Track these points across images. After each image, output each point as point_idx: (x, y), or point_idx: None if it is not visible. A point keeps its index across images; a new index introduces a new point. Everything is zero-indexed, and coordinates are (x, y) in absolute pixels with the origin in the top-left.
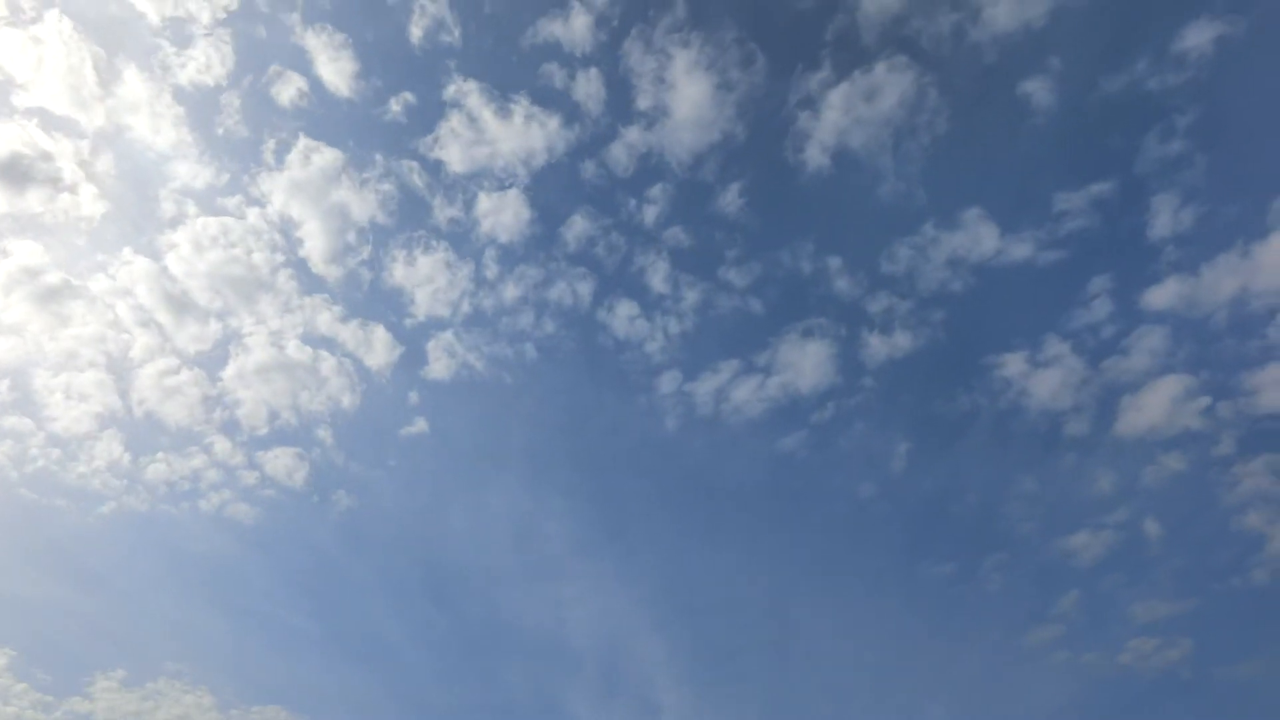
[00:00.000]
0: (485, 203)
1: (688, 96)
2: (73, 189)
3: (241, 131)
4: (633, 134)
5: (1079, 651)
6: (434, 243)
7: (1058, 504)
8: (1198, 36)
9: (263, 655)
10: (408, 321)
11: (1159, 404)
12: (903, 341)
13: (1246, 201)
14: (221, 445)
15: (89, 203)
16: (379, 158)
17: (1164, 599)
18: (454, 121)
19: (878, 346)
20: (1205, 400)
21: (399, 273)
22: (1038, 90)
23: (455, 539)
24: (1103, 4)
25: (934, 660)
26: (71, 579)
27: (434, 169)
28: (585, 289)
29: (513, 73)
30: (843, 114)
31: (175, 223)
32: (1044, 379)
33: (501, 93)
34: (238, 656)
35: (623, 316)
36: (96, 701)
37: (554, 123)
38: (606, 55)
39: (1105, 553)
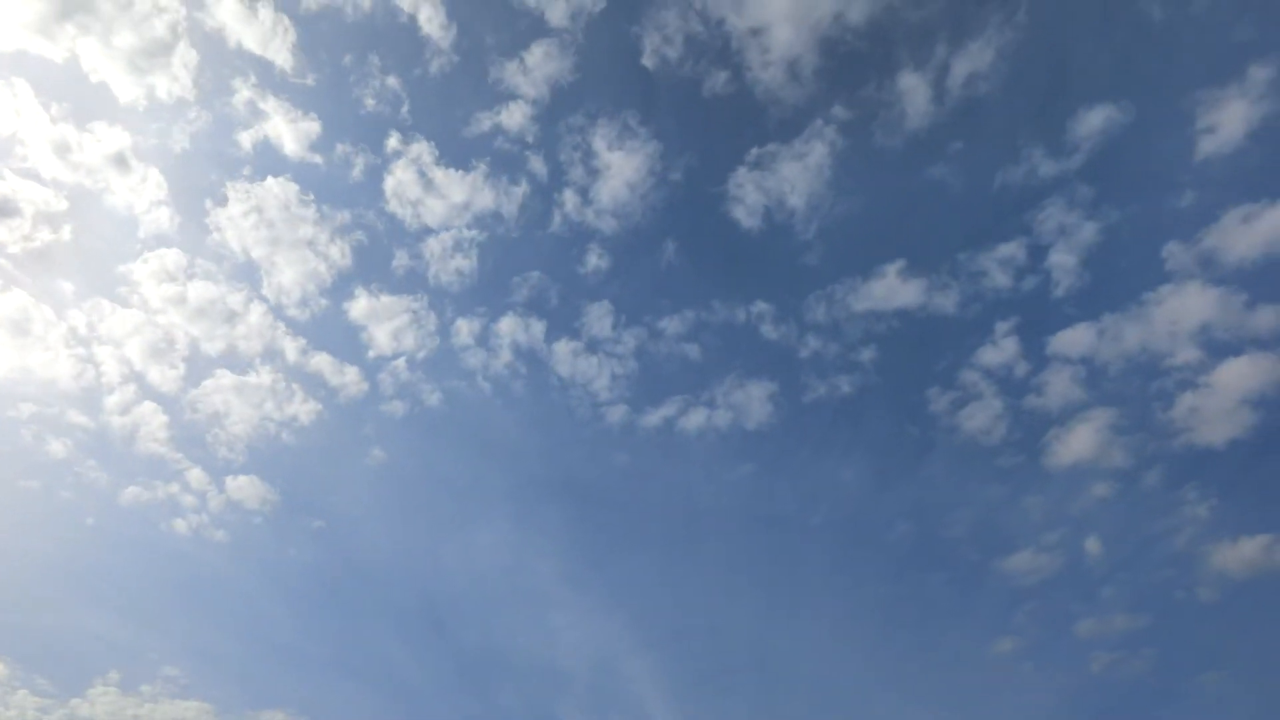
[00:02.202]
0: (439, 253)
1: (624, 165)
2: (53, 231)
3: (208, 182)
4: (573, 197)
5: (1042, 663)
6: (393, 286)
7: (998, 526)
8: (1090, 123)
9: (253, 663)
10: (370, 354)
11: (1085, 436)
12: (837, 381)
13: (1140, 257)
14: (195, 473)
15: (67, 244)
16: (343, 210)
17: (1121, 613)
18: (407, 179)
19: (815, 385)
20: (1126, 432)
21: (362, 312)
22: (946, 173)
23: (419, 560)
24: (1006, 95)
25: (903, 671)
26: (62, 593)
27: (391, 221)
28: (537, 330)
29: (463, 141)
30: (769, 178)
31: (148, 265)
32: (971, 413)
33: (452, 157)
34: (229, 664)
35: (573, 356)
36: (96, 705)
37: (501, 186)
38: (547, 128)
39: (1051, 571)
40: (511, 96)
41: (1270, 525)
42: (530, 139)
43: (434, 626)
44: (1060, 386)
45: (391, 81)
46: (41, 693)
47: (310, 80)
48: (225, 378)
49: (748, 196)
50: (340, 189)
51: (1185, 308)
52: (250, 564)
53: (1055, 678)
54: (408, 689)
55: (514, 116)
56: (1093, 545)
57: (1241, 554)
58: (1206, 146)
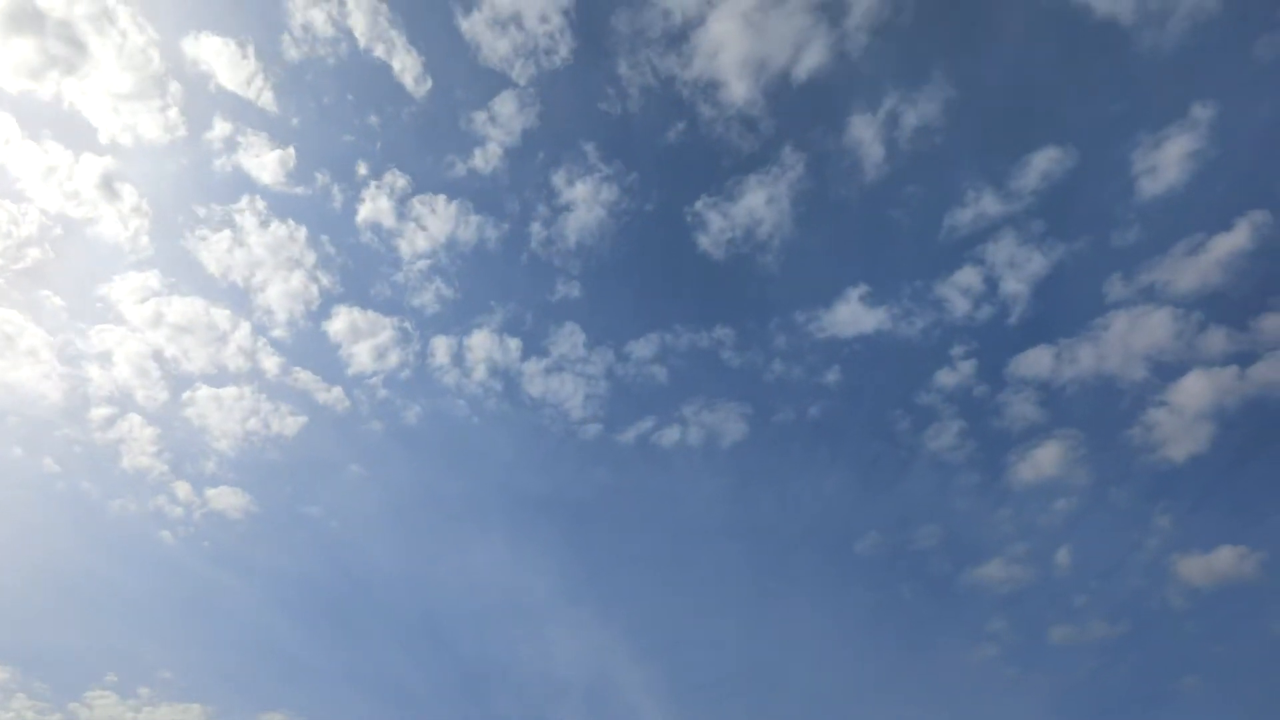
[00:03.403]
0: (416, 279)
1: (590, 201)
2: (41, 252)
3: (193, 208)
4: (541, 231)
5: (1026, 668)
6: (372, 310)
7: (972, 540)
8: (1039, 164)
9: (247, 666)
10: (349, 372)
11: (1051, 454)
12: (803, 402)
13: (1088, 285)
14: (181, 485)
15: (56, 264)
16: (322, 236)
17: (1100, 621)
18: (383, 209)
19: (781, 407)
20: (1088, 449)
21: (343, 333)
22: (900, 213)
23: (402, 569)
24: (954, 142)
25: (889, 677)
26: (57, 600)
27: (367, 250)
28: (513, 352)
29: (437, 177)
30: (732, 210)
31: (132, 286)
32: (935, 433)
33: (427, 190)
34: (224, 667)
35: (546, 377)
36: (94, 709)
37: (477, 218)
38: (516, 167)
39: (1029, 581)
40: (482, 141)
41: (1233, 537)
42: (500, 177)
43: (418, 632)
44: (1020, 408)
45: (369, 121)
46: (39, 696)
47: (294, 121)
48: (210, 394)
49: (710, 229)
50: (319, 218)
51: (1140, 331)
52: (238, 572)
53: (1040, 682)
54: (393, 689)
55: (485, 157)
56: (1067, 558)
57: (1209, 566)
58: (1154, 181)
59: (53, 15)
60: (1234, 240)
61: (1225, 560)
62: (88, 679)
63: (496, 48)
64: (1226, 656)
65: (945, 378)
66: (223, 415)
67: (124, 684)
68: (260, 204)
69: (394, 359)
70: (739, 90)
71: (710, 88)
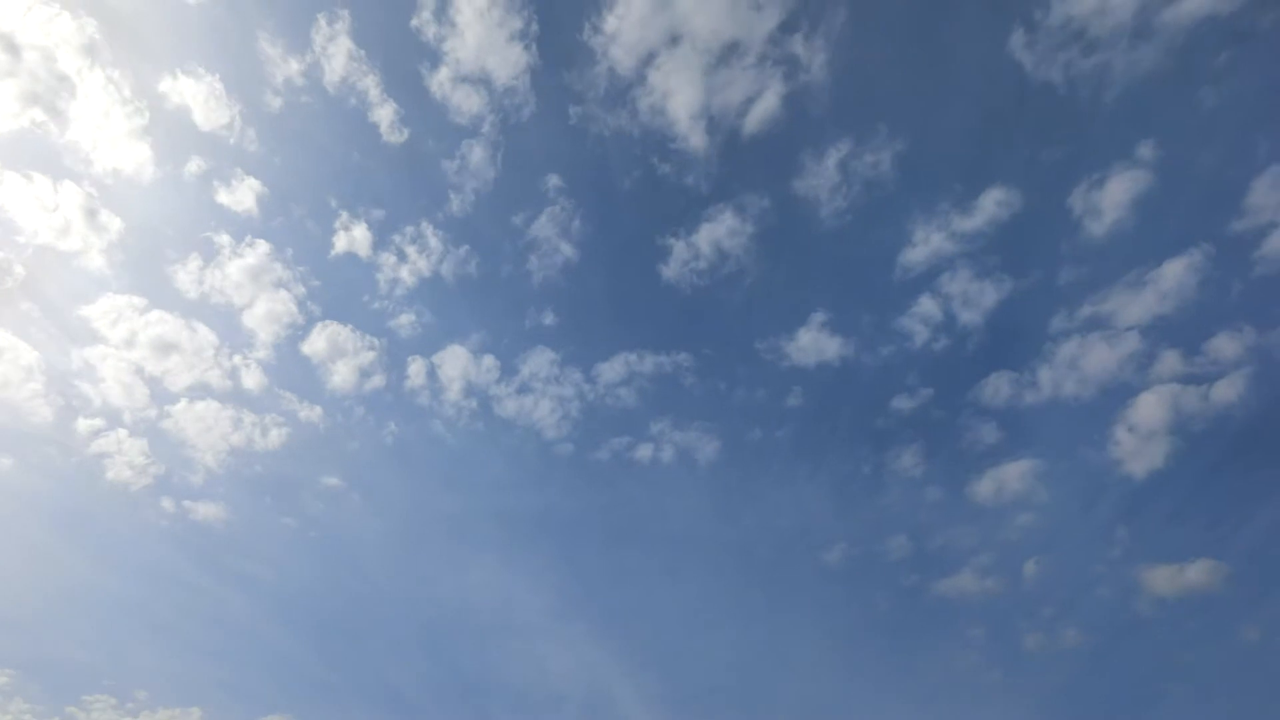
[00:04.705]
0: (394, 305)
1: (559, 238)
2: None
3: (173, 235)
4: (512, 267)
5: (1007, 674)
6: (351, 331)
7: (934, 553)
8: (988, 205)
9: (243, 672)
10: (327, 392)
11: (1011, 473)
12: (770, 424)
13: (1040, 316)
14: (166, 499)
15: (46, 285)
16: (306, 265)
17: (1071, 630)
18: (361, 239)
19: (749, 428)
20: (1048, 469)
21: (324, 354)
22: (858, 252)
23: (380, 580)
24: (904, 188)
25: (875, 682)
26: (54, 608)
27: (346, 281)
28: (489, 366)
29: (414, 214)
30: (695, 241)
31: (116, 307)
32: (902, 455)
33: (405, 223)
34: (219, 672)
35: (520, 396)
36: (91, 713)
37: (452, 251)
38: (491, 198)
39: (994, 592)
40: (458, 185)
41: (1197, 550)
42: (472, 216)
43: (403, 638)
44: (981, 430)
45: (348, 159)
46: (36, 700)
47: (276, 159)
48: (195, 412)
49: (674, 262)
50: (297, 247)
51: (1095, 355)
52: (226, 581)
53: (1024, 685)
54: (382, 691)
55: (460, 202)
56: (1034, 569)
57: (1175, 577)
58: (1100, 220)
59: (36, 52)
60: (1181, 270)
61: (1192, 572)
62: (85, 683)
63: (465, 105)
64: (1199, 664)
65: (905, 402)
66: (208, 433)
67: (121, 688)
68: (239, 233)
69: (373, 380)
70: (695, 140)
71: (664, 138)
